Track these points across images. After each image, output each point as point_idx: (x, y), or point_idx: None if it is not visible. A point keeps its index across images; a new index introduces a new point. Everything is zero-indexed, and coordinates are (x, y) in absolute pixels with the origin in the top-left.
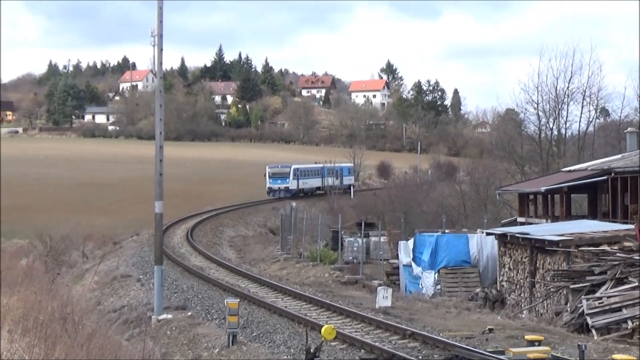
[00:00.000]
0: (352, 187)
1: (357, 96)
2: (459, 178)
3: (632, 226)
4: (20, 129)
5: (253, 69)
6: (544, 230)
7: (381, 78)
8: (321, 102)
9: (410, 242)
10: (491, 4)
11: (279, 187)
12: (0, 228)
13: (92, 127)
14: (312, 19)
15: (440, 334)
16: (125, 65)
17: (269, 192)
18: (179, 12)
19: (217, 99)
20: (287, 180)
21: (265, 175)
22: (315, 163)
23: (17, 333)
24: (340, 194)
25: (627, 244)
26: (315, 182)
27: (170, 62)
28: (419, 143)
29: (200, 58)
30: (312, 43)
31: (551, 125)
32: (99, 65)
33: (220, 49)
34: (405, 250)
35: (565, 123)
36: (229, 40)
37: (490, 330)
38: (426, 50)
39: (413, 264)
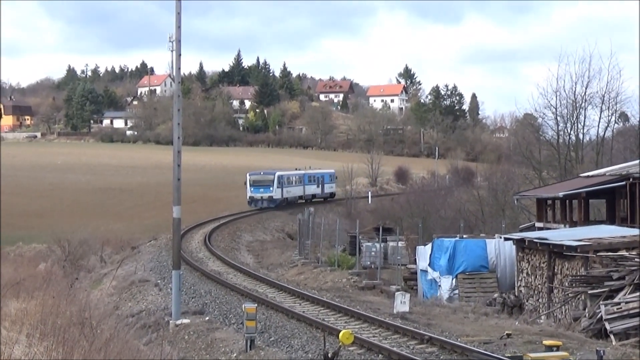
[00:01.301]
0: (334, 195)
1: (375, 101)
2: (477, 183)
3: None
4: (38, 134)
5: (271, 74)
6: (562, 235)
7: (399, 83)
8: (339, 107)
9: (428, 247)
10: (513, 7)
11: (261, 197)
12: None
13: (110, 132)
14: (333, 23)
15: (458, 339)
16: (143, 70)
17: (250, 202)
18: (198, 17)
19: (235, 103)
20: (271, 188)
21: (245, 183)
22: (296, 169)
23: (35, 337)
24: (322, 202)
25: None
26: (298, 191)
27: (189, 67)
28: (437, 148)
29: (218, 63)
30: (332, 47)
31: (569, 131)
32: (117, 70)
33: (238, 54)
34: (423, 256)
35: (584, 128)
36: (249, 44)
37: (508, 335)
38: (445, 55)
39: (430, 269)
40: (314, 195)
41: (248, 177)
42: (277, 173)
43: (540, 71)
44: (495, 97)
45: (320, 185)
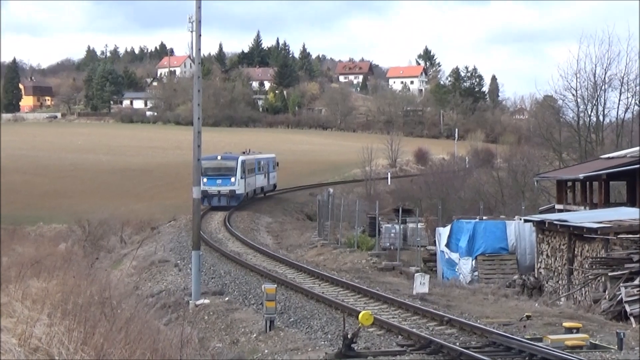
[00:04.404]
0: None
1: (394, 82)
2: (497, 165)
3: None
4: (59, 114)
5: (290, 55)
6: (583, 217)
7: (418, 64)
8: (358, 88)
9: (448, 228)
10: None
11: (219, 192)
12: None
13: (130, 113)
14: (359, 3)
15: (478, 321)
16: (163, 51)
17: (203, 200)
18: None
19: (255, 84)
20: (232, 180)
21: None
22: (244, 153)
23: (56, 317)
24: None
25: None
26: (253, 182)
27: (208, 48)
28: (456, 129)
29: (237, 44)
30: (355, 28)
31: (589, 112)
32: (136, 51)
33: (258, 35)
34: (442, 237)
35: (604, 110)
36: (271, 25)
37: (528, 317)
38: (469, 36)
39: (450, 251)
40: (262, 189)
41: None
42: (241, 157)
43: (562, 52)
44: (515, 78)
45: (266, 176)
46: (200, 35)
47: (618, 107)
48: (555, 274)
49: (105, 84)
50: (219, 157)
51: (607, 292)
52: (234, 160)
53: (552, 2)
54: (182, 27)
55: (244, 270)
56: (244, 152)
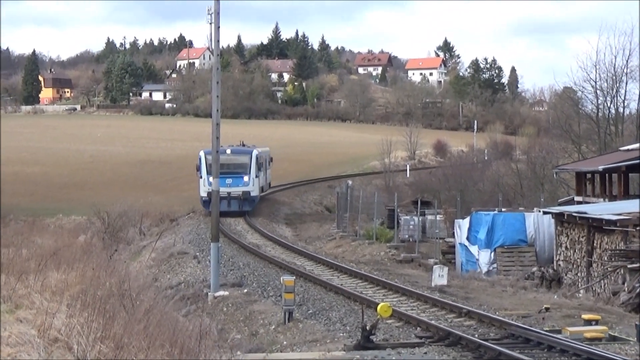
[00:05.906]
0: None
1: (413, 74)
2: (516, 157)
3: None
4: (78, 107)
5: (309, 47)
6: (602, 209)
7: (438, 56)
8: (378, 80)
9: (467, 220)
10: None
11: (228, 194)
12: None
13: (149, 105)
14: None
15: (496, 313)
16: (182, 43)
17: (206, 203)
18: None
19: (274, 76)
20: (245, 179)
21: (199, 168)
22: (242, 144)
23: (76, 308)
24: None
25: None
26: (261, 181)
27: (227, 40)
28: (476, 121)
29: (256, 36)
30: (375, 19)
31: (609, 104)
32: (155, 43)
33: (277, 27)
34: (461, 229)
35: (624, 102)
36: (291, 17)
37: (547, 309)
38: (490, 26)
39: (469, 243)
40: (262, 188)
41: (203, 156)
42: (255, 151)
43: (582, 44)
44: (534, 70)
45: (265, 173)
46: (218, 27)
47: (639, 99)
48: (574, 266)
49: (124, 76)
50: (228, 151)
51: (626, 284)
52: (247, 155)
53: None
54: (201, 19)
55: (263, 262)
56: (242, 143)
